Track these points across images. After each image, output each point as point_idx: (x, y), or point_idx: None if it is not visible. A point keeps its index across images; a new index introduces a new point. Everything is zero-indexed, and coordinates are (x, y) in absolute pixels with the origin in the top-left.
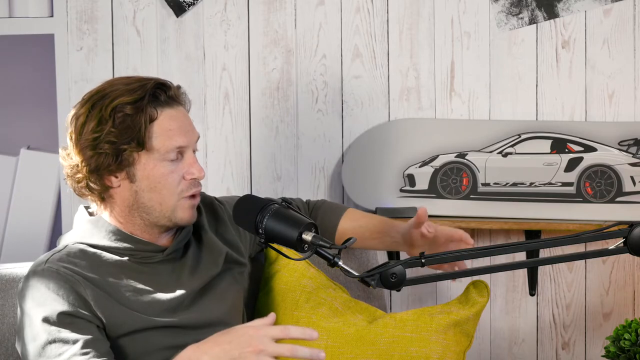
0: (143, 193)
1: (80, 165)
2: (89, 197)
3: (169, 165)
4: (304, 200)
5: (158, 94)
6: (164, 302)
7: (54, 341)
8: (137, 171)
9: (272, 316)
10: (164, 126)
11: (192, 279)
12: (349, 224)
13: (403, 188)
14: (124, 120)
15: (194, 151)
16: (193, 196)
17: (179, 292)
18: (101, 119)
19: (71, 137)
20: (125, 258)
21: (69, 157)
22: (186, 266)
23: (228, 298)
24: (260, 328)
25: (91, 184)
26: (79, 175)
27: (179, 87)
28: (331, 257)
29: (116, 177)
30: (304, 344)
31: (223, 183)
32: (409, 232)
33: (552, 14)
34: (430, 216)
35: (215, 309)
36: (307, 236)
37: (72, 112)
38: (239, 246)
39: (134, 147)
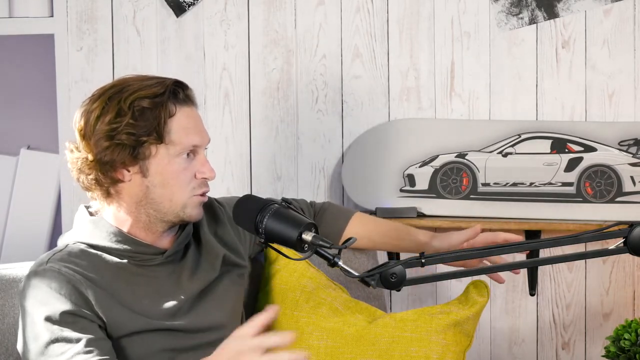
0: (154, 189)
1: (91, 157)
2: (95, 191)
3: (183, 163)
4: (308, 201)
5: (177, 91)
6: (163, 306)
7: (56, 340)
8: (151, 165)
9: (266, 316)
10: (181, 123)
11: (191, 282)
12: (358, 228)
13: (403, 188)
14: (143, 112)
15: None
16: (202, 195)
17: (178, 296)
18: (119, 110)
19: (80, 131)
20: (125, 260)
21: (77, 150)
22: (185, 269)
23: (227, 301)
24: (244, 342)
25: (101, 177)
26: (89, 168)
27: (191, 89)
28: (331, 257)
29: (128, 171)
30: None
31: (223, 183)
32: (453, 247)
33: (552, 14)
34: (430, 216)
35: (214, 312)
36: (307, 236)
37: (82, 109)
38: (237, 248)
39: (154, 139)
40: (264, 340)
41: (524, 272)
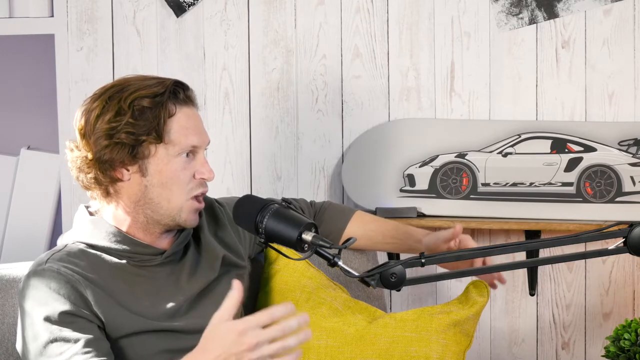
0: (153, 188)
1: (91, 156)
2: (95, 190)
3: (182, 162)
4: (308, 201)
5: (177, 91)
6: (162, 306)
7: (55, 340)
8: (150, 165)
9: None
10: (181, 123)
11: (190, 282)
12: (358, 227)
13: (403, 188)
14: (143, 112)
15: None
16: (199, 200)
17: (178, 297)
18: (119, 109)
19: (80, 130)
20: (124, 261)
21: (77, 149)
22: (185, 269)
23: None
24: (245, 322)
25: (100, 176)
26: (88, 166)
27: (192, 90)
28: (331, 257)
29: (127, 170)
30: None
31: (223, 183)
32: (437, 246)
33: (552, 14)
34: (430, 216)
35: (213, 313)
36: (307, 236)
37: (82, 108)
38: (237, 249)
39: (153, 138)
40: (268, 315)
41: (524, 272)
